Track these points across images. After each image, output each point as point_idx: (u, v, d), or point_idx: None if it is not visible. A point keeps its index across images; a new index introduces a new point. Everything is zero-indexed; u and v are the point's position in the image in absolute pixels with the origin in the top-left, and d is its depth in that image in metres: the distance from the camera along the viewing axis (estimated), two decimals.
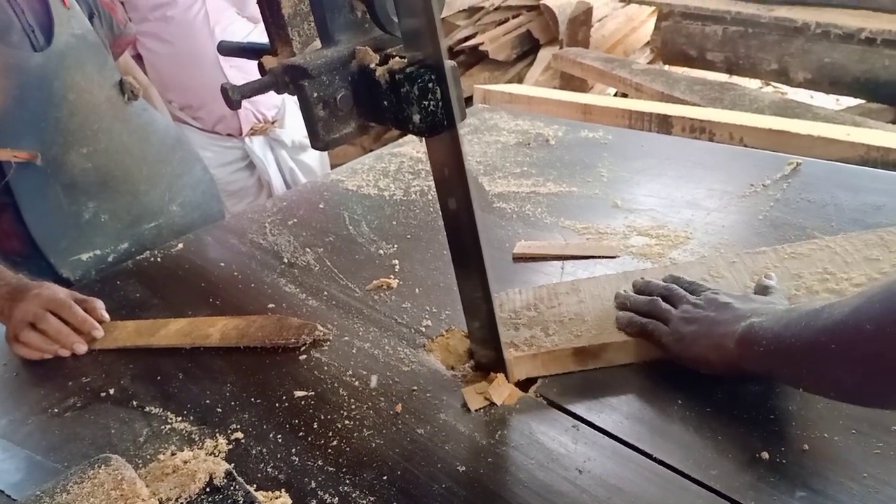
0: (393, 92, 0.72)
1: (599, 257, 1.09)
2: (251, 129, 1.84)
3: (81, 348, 1.10)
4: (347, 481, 0.78)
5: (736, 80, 2.47)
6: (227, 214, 1.71)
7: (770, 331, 0.69)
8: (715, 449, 0.74)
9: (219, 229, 1.46)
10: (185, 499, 0.66)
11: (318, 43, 0.88)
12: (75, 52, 1.41)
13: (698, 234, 1.11)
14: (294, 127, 1.91)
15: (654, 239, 1.12)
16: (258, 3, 0.88)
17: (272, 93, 1.55)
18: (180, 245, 1.40)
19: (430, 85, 0.70)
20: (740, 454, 0.73)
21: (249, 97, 0.78)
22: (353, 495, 0.76)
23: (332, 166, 2.12)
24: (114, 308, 1.18)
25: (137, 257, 1.38)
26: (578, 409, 0.82)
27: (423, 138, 0.75)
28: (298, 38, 0.90)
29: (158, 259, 1.37)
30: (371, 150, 1.69)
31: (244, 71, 1.77)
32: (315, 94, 0.76)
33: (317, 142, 0.78)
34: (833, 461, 0.70)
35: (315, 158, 1.97)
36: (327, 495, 0.77)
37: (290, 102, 1.92)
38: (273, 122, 1.87)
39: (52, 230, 1.43)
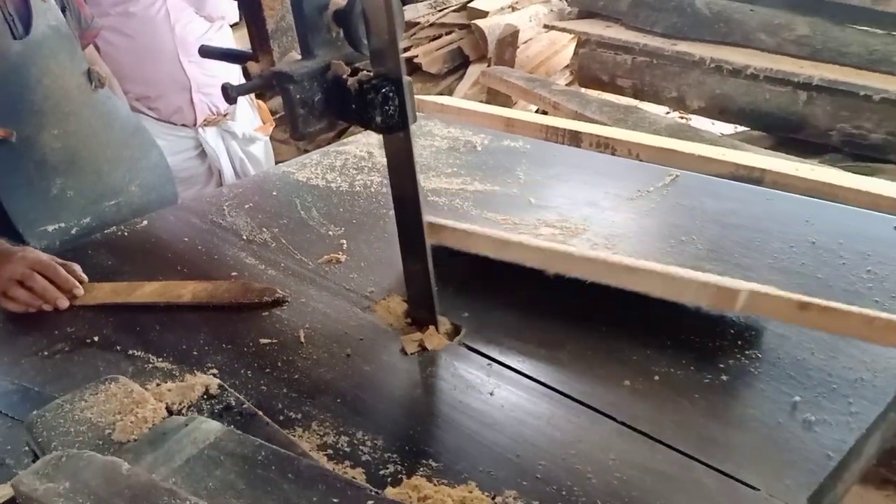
0: (360, 98, 0.94)
1: None
2: (205, 120, 2.00)
3: (64, 304, 1.26)
4: (308, 403, 0.98)
5: (642, 104, 2.78)
6: (179, 199, 1.86)
7: None
8: (593, 379, 0.98)
9: (179, 210, 1.63)
10: (188, 402, 0.85)
11: (294, 54, 1.09)
12: (50, 42, 1.56)
13: (594, 227, 1.37)
14: (244, 121, 2.08)
15: (559, 230, 1.37)
16: (245, 17, 1.08)
17: None
18: (145, 222, 1.56)
19: (391, 94, 0.91)
20: (612, 382, 0.97)
21: (245, 95, 0.98)
22: (313, 413, 0.96)
23: (276, 161, 2.30)
24: (88, 275, 1.32)
25: (105, 231, 1.53)
26: (492, 352, 1.05)
27: (383, 135, 0.97)
28: (278, 49, 1.10)
29: (125, 234, 1.53)
30: (306, 151, 1.88)
31: (202, 67, 1.93)
32: (298, 96, 0.96)
33: (296, 133, 0.99)
34: (675, 387, 0.96)
35: (262, 151, 2.14)
36: (292, 413, 0.97)
37: (241, 98, 2.08)
38: (225, 115, 2.04)
39: (22, 202, 1.56)
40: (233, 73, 2.02)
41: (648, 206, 1.43)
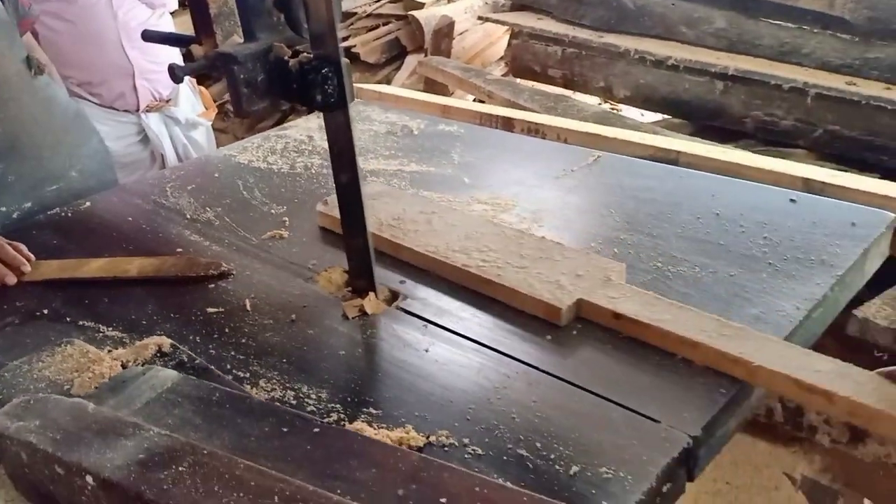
0: (301, 78, 1.01)
1: None
2: (147, 106, 2.03)
3: (12, 280, 1.29)
4: (256, 363, 1.05)
5: (572, 94, 2.91)
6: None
7: None
8: (519, 335, 1.08)
9: (122, 192, 1.67)
10: (142, 360, 0.91)
11: (236, 37, 1.15)
12: None
13: (522, 203, 1.47)
14: (186, 106, 2.11)
15: (490, 206, 1.46)
16: (188, 1, 1.13)
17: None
18: (88, 203, 1.60)
19: (330, 74, 0.99)
20: (536, 337, 1.07)
21: (191, 75, 1.04)
22: (261, 372, 1.03)
23: (218, 145, 2.34)
24: (34, 254, 1.35)
25: (49, 212, 1.56)
26: (427, 314, 1.14)
27: (323, 114, 1.04)
28: (221, 32, 1.16)
29: (69, 214, 1.56)
30: (243, 139, 1.93)
31: (144, 52, 1.96)
32: (241, 76, 1.03)
33: (240, 111, 1.05)
34: (590, 339, 1.06)
35: (204, 136, 2.18)
36: (240, 372, 1.03)
37: (183, 84, 2.12)
38: (168, 101, 2.07)
39: None
40: (175, 60, 2.05)
41: (572, 184, 1.54)
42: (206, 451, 0.63)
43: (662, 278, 1.19)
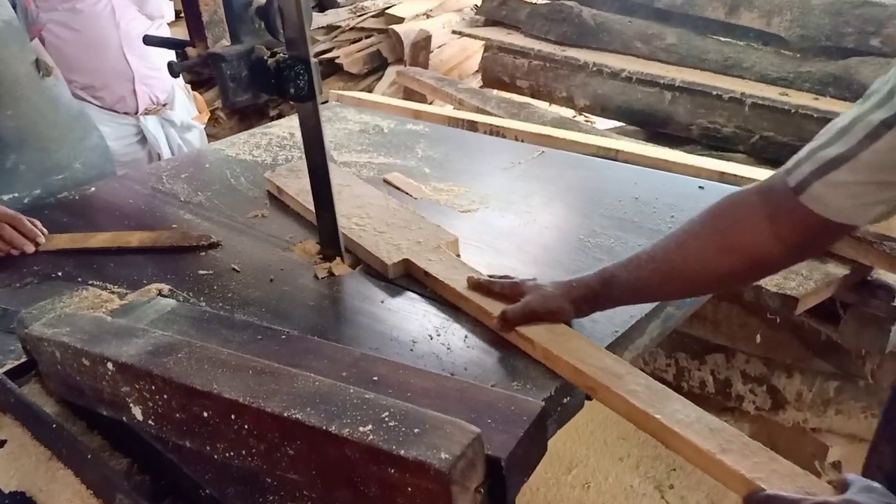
0: (278, 74, 1.23)
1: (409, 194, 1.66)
2: (146, 109, 2.24)
3: (30, 249, 1.50)
4: (240, 312, 1.26)
5: (535, 102, 3.15)
6: None
7: None
8: None
9: (123, 179, 1.88)
10: (147, 301, 1.12)
11: (224, 41, 1.37)
12: (3, 34, 1.79)
13: (473, 189, 1.69)
14: (182, 110, 2.33)
15: (445, 193, 1.69)
16: (184, 11, 1.35)
17: (165, 79, 2.09)
18: (93, 189, 1.81)
19: (301, 71, 1.21)
20: None
21: (187, 71, 1.26)
22: (244, 317, 1.25)
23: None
24: (46, 229, 1.57)
25: (58, 195, 1.77)
26: (397, 281, 1.36)
27: (296, 104, 1.26)
28: (212, 37, 1.38)
29: (76, 198, 1.77)
30: None
31: (144, 59, 2.17)
32: (228, 72, 1.24)
33: (227, 102, 1.27)
34: None
35: (197, 138, 2.40)
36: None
37: (179, 89, 2.33)
38: (164, 105, 2.28)
39: None
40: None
41: (518, 174, 1.77)
42: (198, 345, 0.84)
43: (583, 248, 1.42)
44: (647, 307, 1.22)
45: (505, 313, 1.12)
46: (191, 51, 1.38)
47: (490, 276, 1.23)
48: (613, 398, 0.94)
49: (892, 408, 0.81)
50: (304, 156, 1.35)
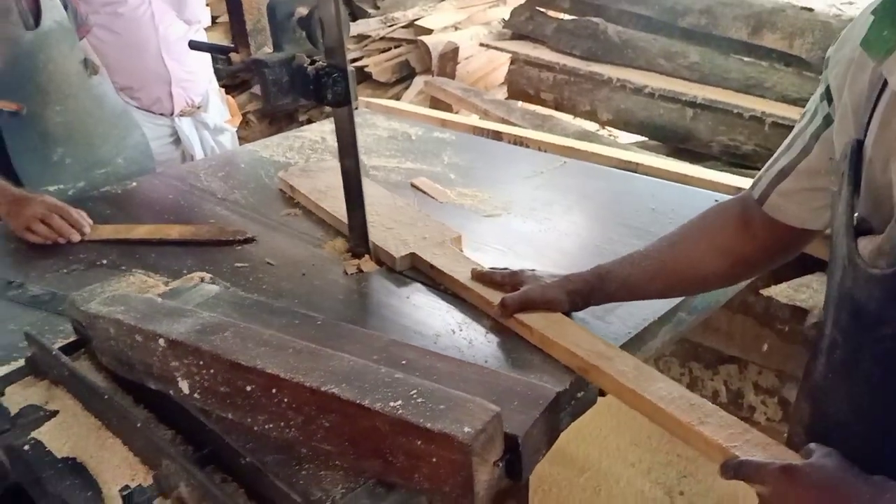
0: (317, 81, 1.31)
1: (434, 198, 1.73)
2: (181, 111, 2.34)
3: (76, 238, 1.59)
4: (274, 301, 1.34)
5: (559, 115, 3.22)
6: None
7: None
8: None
9: (162, 176, 1.98)
10: (192, 286, 1.20)
11: (266, 48, 1.46)
12: (55, 34, 1.89)
13: (496, 196, 1.76)
14: (215, 113, 2.42)
15: (470, 198, 1.76)
16: (229, 19, 1.44)
17: (200, 82, 2.19)
18: (134, 184, 1.90)
19: (339, 79, 1.29)
20: None
21: (232, 74, 1.34)
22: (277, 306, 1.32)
23: None
24: (91, 220, 1.66)
25: (102, 189, 1.87)
26: (410, 274, 1.43)
27: (333, 109, 1.35)
28: (255, 44, 1.47)
29: (119, 192, 1.87)
30: None
31: (181, 62, 2.27)
32: (271, 78, 1.33)
33: (268, 104, 1.36)
34: None
35: (230, 140, 2.49)
36: None
37: (213, 93, 2.43)
38: (199, 107, 2.38)
39: (30, 166, 1.88)
40: (206, 70, 2.36)
41: (540, 183, 1.84)
42: (243, 326, 0.92)
43: (599, 254, 1.48)
44: (659, 311, 1.28)
45: (504, 301, 1.20)
46: (235, 56, 1.46)
47: (492, 268, 1.31)
48: (604, 378, 1.03)
49: (808, 366, 0.89)
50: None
